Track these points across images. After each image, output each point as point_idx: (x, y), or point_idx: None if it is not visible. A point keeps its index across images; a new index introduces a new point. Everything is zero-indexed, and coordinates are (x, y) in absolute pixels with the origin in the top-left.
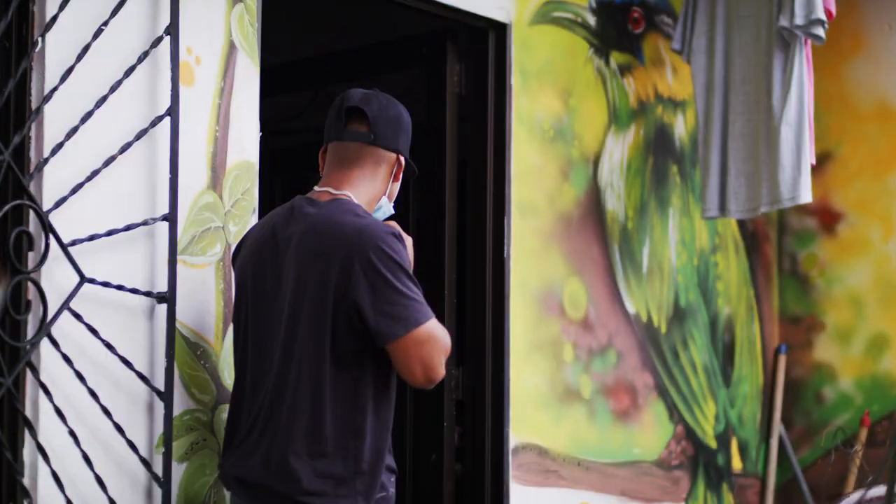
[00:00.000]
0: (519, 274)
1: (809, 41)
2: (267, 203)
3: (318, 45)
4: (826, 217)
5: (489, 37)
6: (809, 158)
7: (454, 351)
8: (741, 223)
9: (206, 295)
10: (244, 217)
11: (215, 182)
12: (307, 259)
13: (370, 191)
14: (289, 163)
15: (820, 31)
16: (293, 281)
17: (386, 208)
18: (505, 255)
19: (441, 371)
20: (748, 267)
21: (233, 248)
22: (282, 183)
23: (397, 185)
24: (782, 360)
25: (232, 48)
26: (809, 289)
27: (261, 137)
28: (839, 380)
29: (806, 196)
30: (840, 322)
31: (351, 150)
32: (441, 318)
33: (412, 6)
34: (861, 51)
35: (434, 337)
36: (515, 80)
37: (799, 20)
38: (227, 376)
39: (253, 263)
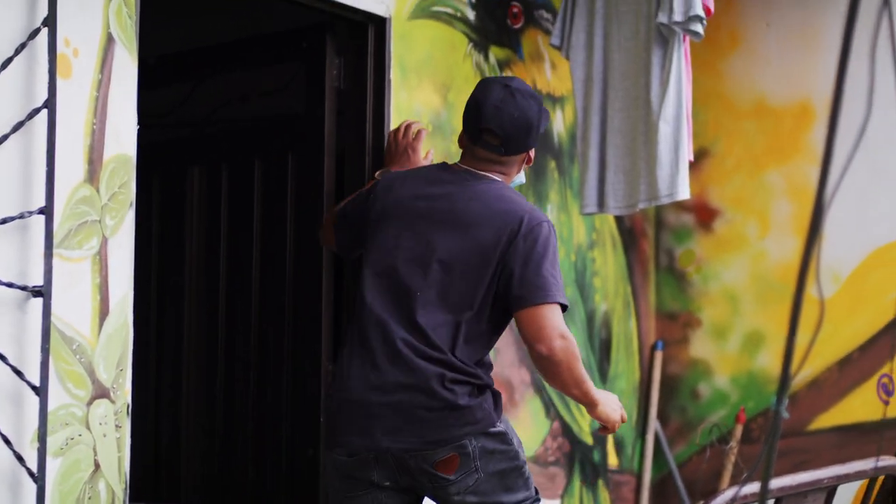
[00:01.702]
0: None
1: (688, 37)
2: (144, 196)
3: (198, 37)
4: (703, 213)
5: (368, 31)
6: (687, 155)
7: (329, 346)
8: (619, 219)
9: (82, 289)
10: (121, 210)
11: (92, 175)
12: (478, 221)
13: (507, 179)
14: (166, 156)
15: (698, 28)
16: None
17: (518, 180)
18: None
19: (558, 343)
20: (625, 263)
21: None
22: (159, 176)
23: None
24: (658, 356)
25: (110, 40)
26: (686, 285)
27: (139, 130)
28: (715, 376)
29: (684, 192)
30: (716, 319)
31: (485, 154)
32: (318, 309)
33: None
34: (739, 47)
35: (559, 314)
36: (394, 74)
37: (678, 16)
38: (103, 371)
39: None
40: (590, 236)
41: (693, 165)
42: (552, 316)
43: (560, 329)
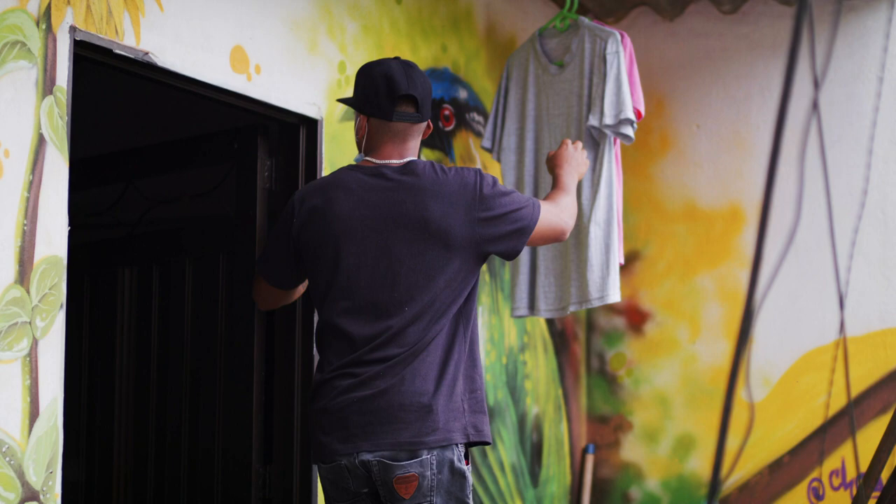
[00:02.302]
0: None
1: (618, 140)
2: (75, 298)
3: (130, 138)
4: (634, 317)
5: (300, 132)
6: (618, 258)
7: (260, 446)
8: (550, 322)
9: (12, 391)
10: (52, 312)
11: (23, 276)
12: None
13: (416, 153)
14: (98, 256)
15: (629, 131)
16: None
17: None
18: (314, 349)
19: (569, 226)
20: (557, 366)
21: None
22: (90, 276)
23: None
24: (590, 459)
25: (41, 141)
26: (617, 388)
27: (70, 231)
28: (646, 480)
29: (614, 296)
30: (647, 422)
31: (400, 128)
32: (250, 410)
33: (224, 101)
34: (669, 150)
35: (547, 209)
36: (326, 174)
37: (608, 120)
38: (33, 473)
39: (347, 226)
40: (521, 339)
41: (624, 268)
42: (550, 218)
43: (562, 219)
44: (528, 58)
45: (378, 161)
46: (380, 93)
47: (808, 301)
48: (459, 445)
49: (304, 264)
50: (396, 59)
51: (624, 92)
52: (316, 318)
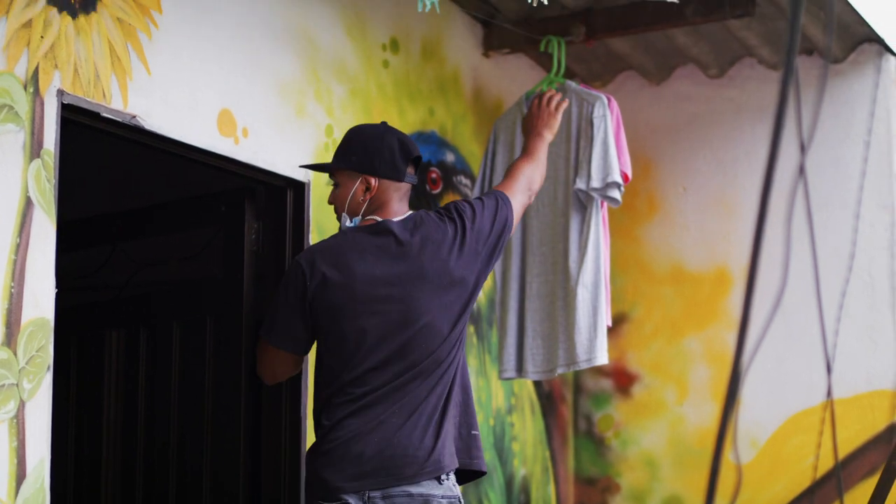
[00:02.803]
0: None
1: (606, 203)
2: (62, 360)
3: (117, 200)
4: (622, 378)
5: (288, 195)
6: (606, 320)
7: None
8: (537, 384)
9: None
10: (39, 374)
11: (10, 338)
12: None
13: None
14: (85, 319)
15: (616, 194)
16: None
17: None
18: (302, 415)
19: (534, 192)
20: (544, 427)
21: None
22: (77, 339)
23: None
24: None
25: (28, 204)
26: (605, 450)
27: (57, 293)
28: None
29: (602, 358)
30: (635, 484)
31: (405, 188)
32: (237, 474)
33: (212, 164)
34: (656, 213)
35: (510, 189)
36: (313, 238)
37: (596, 183)
38: None
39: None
40: (508, 401)
41: (612, 330)
42: (511, 196)
43: (529, 194)
44: (516, 121)
45: (381, 218)
46: (395, 155)
47: (796, 363)
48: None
49: (319, 327)
50: (384, 123)
51: (611, 155)
52: (311, 378)
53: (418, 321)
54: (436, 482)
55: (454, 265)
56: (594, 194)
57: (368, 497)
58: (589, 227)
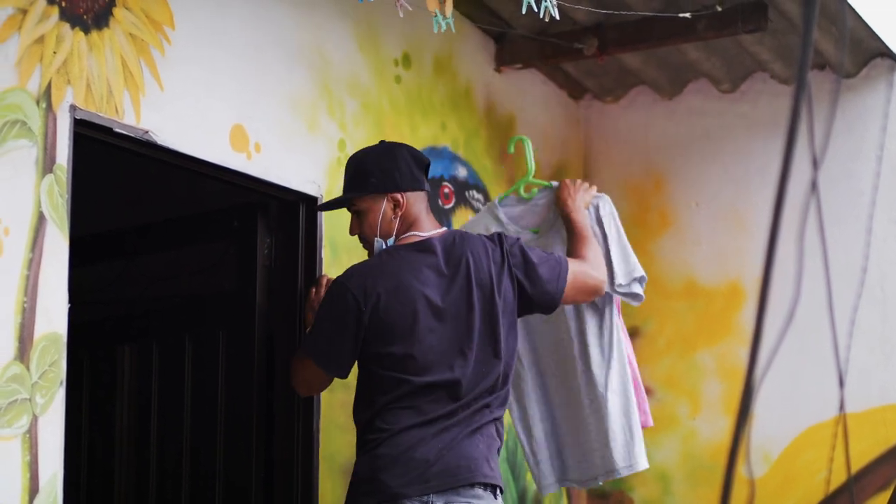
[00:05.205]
0: (328, 447)
1: (618, 299)
2: (75, 374)
3: (130, 215)
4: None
5: (300, 210)
6: (641, 422)
7: None
8: None
9: (11, 467)
10: (51, 389)
11: (22, 353)
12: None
13: None
14: (98, 333)
15: (639, 290)
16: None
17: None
18: (314, 429)
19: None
20: None
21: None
22: (90, 354)
23: None
24: None
25: (41, 219)
26: None
27: (70, 308)
28: None
29: (642, 464)
30: (647, 498)
31: (426, 196)
32: (249, 487)
33: (224, 179)
34: (668, 228)
35: (579, 264)
36: (326, 252)
37: (621, 279)
38: None
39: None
40: None
41: None
42: (583, 272)
43: (594, 275)
44: (489, 227)
45: (423, 234)
46: (412, 166)
47: (808, 378)
48: None
49: (376, 344)
50: (383, 141)
51: (629, 251)
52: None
53: (475, 338)
54: (492, 496)
55: (496, 282)
56: (617, 292)
57: (430, 503)
58: (608, 328)
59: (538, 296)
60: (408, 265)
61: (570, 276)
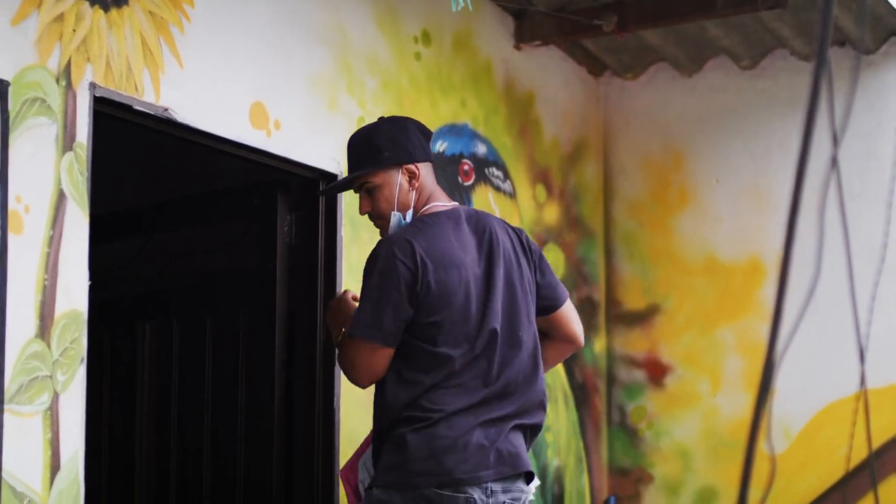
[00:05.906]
0: (348, 424)
1: None
2: (95, 352)
3: (150, 193)
4: (655, 370)
5: (320, 187)
6: None
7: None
8: (571, 375)
9: (33, 444)
10: (72, 366)
11: (43, 331)
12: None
13: None
14: (118, 311)
15: None
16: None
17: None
18: (335, 407)
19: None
20: (577, 419)
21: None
22: (111, 331)
23: None
24: None
25: (62, 197)
26: (638, 441)
27: (90, 286)
28: None
29: None
30: (668, 475)
31: (432, 168)
32: (270, 466)
33: (244, 157)
34: (689, 204)
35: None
36: (346, 230)
37: None
38: None
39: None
40: None
41: (644, 322)
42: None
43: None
44: None
45: (448, 204)
46: (420, 136)
47: (829, 354)
48: None
49: (427, 314)
50: (382, 117)
51: None
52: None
53: (517, 302)
54: (524, 483)
55: (517, 261)
56: None
57: (491, 490)
58: None
59: (543, 288)
60: (449, 234)
61: (569, 303)
